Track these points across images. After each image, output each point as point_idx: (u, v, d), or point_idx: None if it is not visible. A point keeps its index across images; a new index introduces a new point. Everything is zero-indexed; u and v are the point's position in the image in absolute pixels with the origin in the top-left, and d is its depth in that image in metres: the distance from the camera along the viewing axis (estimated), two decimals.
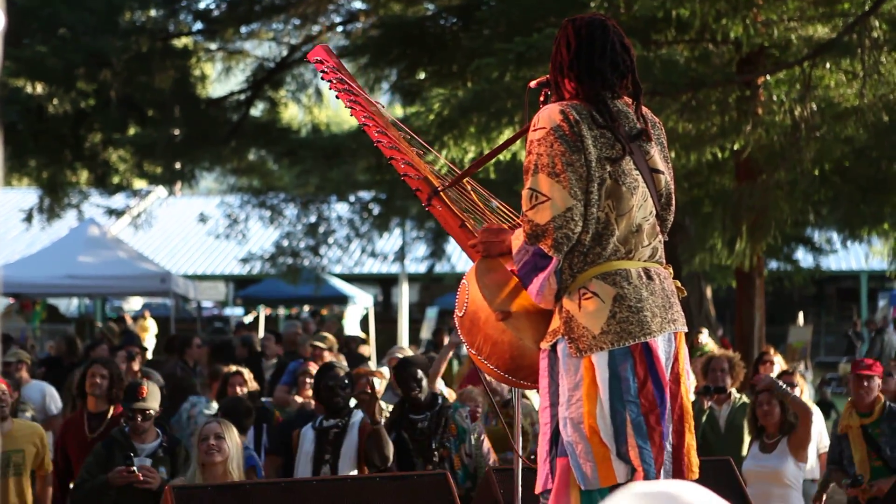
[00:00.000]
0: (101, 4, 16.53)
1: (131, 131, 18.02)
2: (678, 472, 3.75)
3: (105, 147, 17.97)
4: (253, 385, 8.04)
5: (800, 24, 10.70)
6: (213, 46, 18.96)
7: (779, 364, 9.14)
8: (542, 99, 3.98)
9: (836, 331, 29.20)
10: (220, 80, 19.40)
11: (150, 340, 20.32)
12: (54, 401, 9.23)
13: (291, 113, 21.42)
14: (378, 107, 4.57)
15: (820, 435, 7.82)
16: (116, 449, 6.34)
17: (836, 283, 32.20)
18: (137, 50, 16.34)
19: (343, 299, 25.06)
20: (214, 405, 8.19)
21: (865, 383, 7.01)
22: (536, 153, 3.70)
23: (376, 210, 20.54)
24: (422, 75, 13.89)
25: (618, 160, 3.72)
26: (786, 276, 19.19)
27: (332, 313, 24.35)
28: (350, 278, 27.90)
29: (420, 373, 6.62)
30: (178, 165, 18.91)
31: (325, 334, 11.39)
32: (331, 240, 20.88)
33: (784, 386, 7.11)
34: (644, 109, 3.92)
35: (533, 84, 4.03)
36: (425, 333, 24.16)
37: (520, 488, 4.50)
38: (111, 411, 7.13)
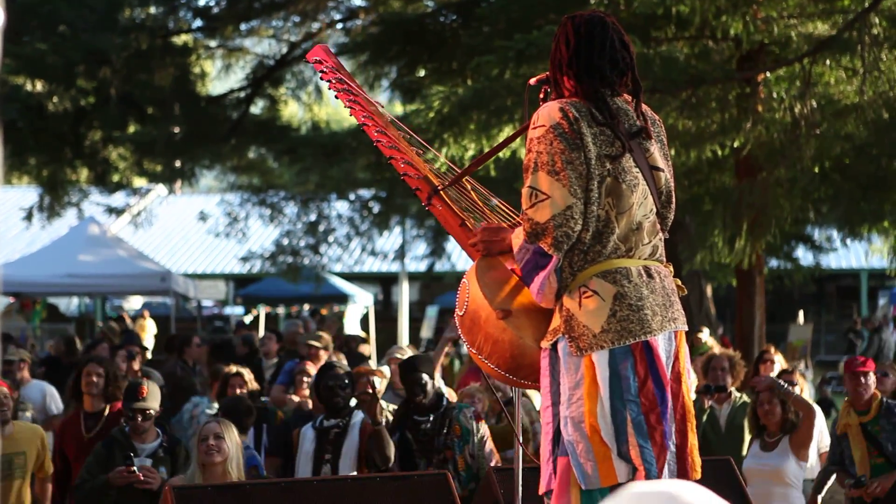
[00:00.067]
0: (101, 2, 16.52)
1: (131, 129, 18.02)
2: (682, 471, 3.74)
3: (105, 145, 17.96)
4: (253, 386, 8.02)
5: (800, 21, 10.69)
6: (212, 44, 18.95)
7: (779, 363, 9.13)
8: (541, 96, 3.97)
9: (837, 329, 29.20)
10: (220, 77, 19.38)
11: (148, 340, 20.31)
12: (55, 401, 9.22)
13: (291, 110, 21.41)
14: (377, 106, 4.56)
15: (821, 434, 7.80)
16: (117, 449, 6.33)
17: (836, 282, 32.20)
18: (137, 47, 16.33)
19: (343, 298, 25.06)
20: (216, 406, 8.18)
21: (862, 380, 7.00)
22: (536, 151, 3.69)
23: (376, 208, 20.54)
24: (422, 73, 13.89)
25: (618, 158, 3.71)
26: (786, 275, 19.17)
27: (333, 312, 24.35)
28: (350, 277, 27.90)
29: (425, 377, 6.59)
30: (178, 163, 18.91)
31: (321, 333, 11.39)
32: (331, 238, 20.88)
33: (785, 385, 7.10)
34: (644, 107, 3.91)
35: (533, 81, 4.02)
36: (426, 332, 24.16)
37: (520, 488, 4.49)
38: (107, 410, 7.12)
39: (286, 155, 18.43)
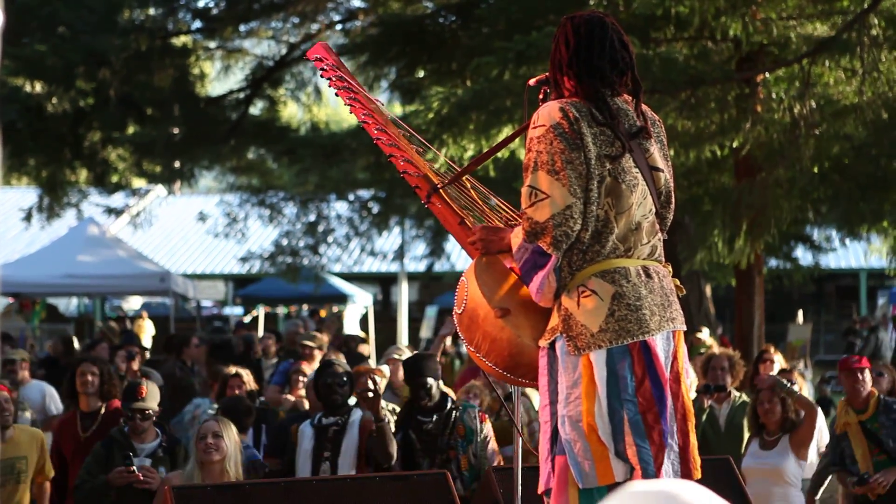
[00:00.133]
0: (101, 3, 16.52)
1: (130, 130, 18.01)
2: (686, 472, 3.74)
3: (104, 146, 17.95)
4: (252, 386, 8.02)
5: (799, 22, 10.70)
6: (212, 45, 18.95)
7: (779, 362, 9.13)
8: (541, 97, 3.97)
9: (836, 329, 29.19)
10: (220, 78, 19.39)
11: (146, 341, 20.30)
12: (54, 401, 9.22)
13: (290, 111, 21.41)
14: (377, 104, 4.57)
15: (820, 433, 7.81)
16: (116, 449, 6.33)
17: (835, 281, 32.20)
18: (136, 48, 16.32)
19: (342, 298, 25.05)
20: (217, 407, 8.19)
21: (858, 376, 7.01)
22: (536, 151, 3.70)
23: (376, 209, 20.54)
24: (421, 73, 13.89)
25: (617, 158, 3.72)
26: (785, 275, 19.18)
27: (332, 312, 24.35)
28: (349, 277, 27.90)
29: (430, 381, 6.59)
30: (177, 164, 18.91)
31: (315, 333, 11.42)
32: (330, 238, 20.88)
33: (788, 384, 7.10)
34: (644, 107, 3.91)
35: (532, 82, 4.03)
36: (425, 332, 24.16)
37: (520, 488, 4.50)
38: (104, 409, 7.13)
39: (285, 156, 18.43)
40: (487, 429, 6.62)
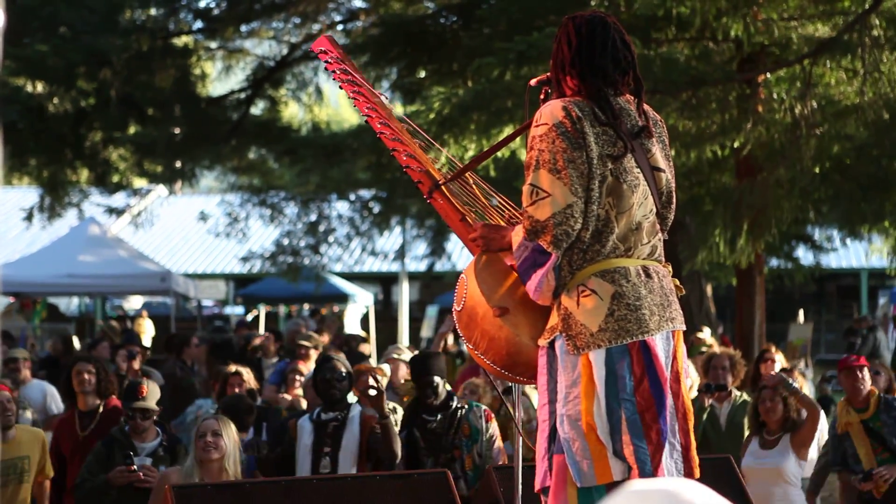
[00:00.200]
0: (102, 3, 16.53)
1: (131, 130, 18.03)
2: (688, 471, 3.75)
3: (105, 146, 17.96)
4: (252, 384, 8.02)
5: (800, 23, 10.71)
6: (213, 45, 18.96)
7: (780, 362, 9.13)
8: (542, 97, 3.98)
9: (837, 328, 29.18)
10: (221, 78, 19.40)
11: (146, 341, 20.31)
12: (55, 401, 9.23)
13: (292, 111, 21.42)
14: (381, 98, 4.56)
15: (821, 433, 7.81)
16: (116, 448, 6.34)
17: (836, 281, 32.19)
18: (138, 49, 16.34)
19: (343, 298, 25.06)
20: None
21: (858, 374, 7.01)
22: (538, 149, 3.70)
23: (376, 208, 20.55)
24: (422, 74, 13.89)
25: (619, 158, 3.72)
26: (786, 274, 19.17)
27: (333, 312, 24.36)
28: (350, 277, 27.90)
29: (436, 379, 6.60)
30: (178, 164, 18.92)
31: (312, 333, 11.46)
32: (331, 238, 20.88)
33: (794, 383, 7.10)
34: (646, 106, 3.91)
35: (533, 82, 4.03)
36: (426, 332, 24.16)
37: (520, 486, 4.50)
38: (102, 408, 7.14)
39: (286, 156, 18.45)
40: (493, 428, 6.62)
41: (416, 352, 11.06)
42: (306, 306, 26.38)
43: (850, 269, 29.23)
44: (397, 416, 7.16)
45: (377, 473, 5.88)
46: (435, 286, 30.30)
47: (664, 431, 3.66)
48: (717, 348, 9.82)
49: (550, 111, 3.73)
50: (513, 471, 4.56)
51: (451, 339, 12.23)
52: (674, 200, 3.94)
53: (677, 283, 3.91)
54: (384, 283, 33.42)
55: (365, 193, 20.81)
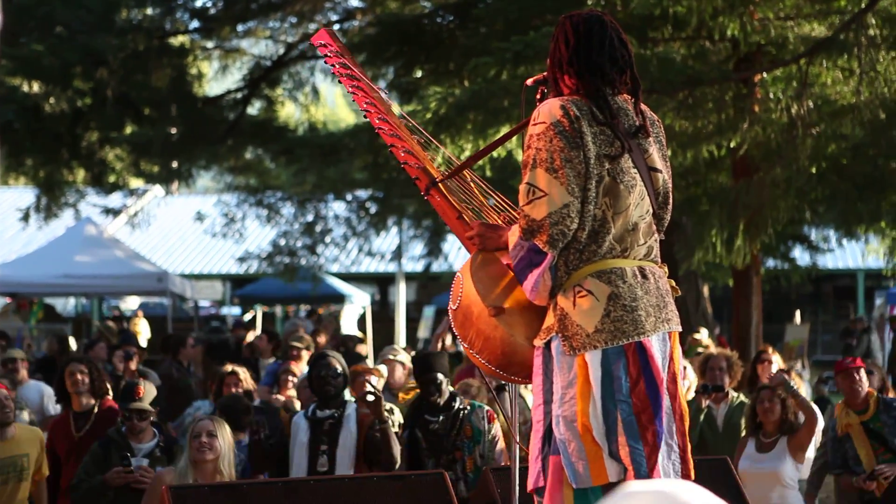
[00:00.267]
0: (98, 3, 16.52)
1: (128, 130, 18.02)
2: (686, 472, 3.74)
3: (102, 146, 17.96)
4: (248, 384, 8.01)
5: (796, 22, 10.71)
6: (209, 45, 18.95)
7: (776, 362, 9.14)
8: (538, 97, 3.97)
9: (833, 329, 29.21)
10: (217, 78, 19.39)
11: (142, 342, 20.30)
12: (52, 401, 9.21)
13: (288, 111, 21.41)
14: (380, 93, 4.55)
15: (816, 434, 7.81)
16: (113, 449, 6.34)
17: (832, 282, 32.23)
18: (134, 48, 16.33)
19: (340, 298, 25.06)
20: None
21: (855, 376, 7.00)
22: (535, 148, 3.69)
23: (373, 209, 20.54)
24: (419, 73, 13.88)
25: (616, 158, 3.71)
26: (783, 275, 19.18)
27: (329, 312, 24.34)
28: (347, 277, 27.90)
29: (440, 376, 6.59)
30: (174, 164, 18.91)
31: (304, 335, 11.48)
32: (328, 238, 20.88)
33: (795, 386, 7.09)
34: (643, 106, 3.90)
35: (530, 82, 4.02)
36: (422, 332, 24.17)
37: (517, 487, 4.49)
38: (97, 408, 7.13)
39: (283, 156, 18.44)
40: (496, 429, 6.60)
41: (413, 352, 11.06)
42: (303, 307, 26.37)
43: (846, 270, 29.26)
44: (395, 416, 7.15)
45: (375, 474, 5.87)
46: (432, 287, 30.31)
47: (660, 433, 3.65)
48: (713, 349, 9.81)
49: (548, 110, 3.72)
50: (510, 471, 4.56)
51: (448, 340, 12.22)
52: (670, 201, 3.94)
53: (673, 283, 3.90)
54: (381, 283, 33.42)
55: (361, 194, 20.81)
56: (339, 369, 6.59)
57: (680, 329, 3.85)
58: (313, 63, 18.60)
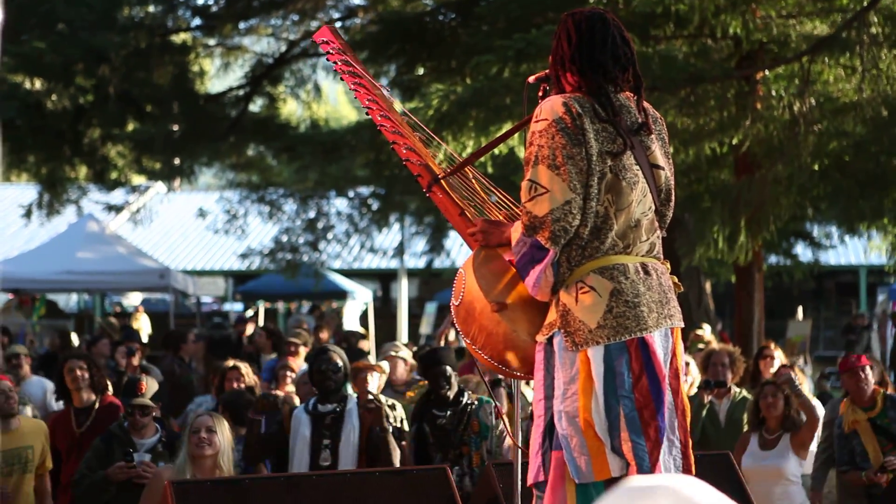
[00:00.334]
0: (100, 0, 16.52)
1: (130, 127, 18.02)
2: (687, 467, 3.75)
3: (104, 143, 17.96)
4: (250, 380, 8.02)
5: (798, 20, 10.71)
6: (211, 42, 18.95)
7: (779, 358, 9.14)
8: (540, 94, 3.98)
9: (836, 325, 29.20)
10: (219, 75, 19.41)
11: (143, 338, 20.29)
12: (55, 397, 9.23)
13: (290, 108, 21.41)
14: (382, 90, 4.56)
15: (819, 429, 7.81)
16: (116, 444, 6.35)
17: (835, 278, 32.21)
18: (136, 46, 16.33)
19: (342, 294, 25.05)
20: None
21: (861, 374, 7.00)
22: (538, 145, 3.70)
23: (375, 205, 20.54)
24: (421, 71, 13.89)
25: (619, 154, 3.72)
26: (785, 271, 19.19)
27: (332, 309, 24.35)
28: (349, 273, 27.89)
29: (448, 369, 6.60)
30: (176, 161, 18.91)
31: (299, 330, 11.51)
32: (330, 235, 20.88)
33: (799, 384, 7.09)
34: (645, 104, 3.91)
35: (532, 79, 4.03)
36: (425, 329, 24.16)
37: (519, 482, 4.51)
38: (98, 403, 7.15)
39: (285, 152, 18.44)
40: (503, 424, 6.61)
41: (415, 348, 11.07)
42: (305, 303, 26.37)
43: (848, 267, 29.25)
44: (396, 412, 7.16)
45: (376, 469, 5.88)
46: (434, 283, 30.30)
47: (662, 428, 3.66)
48: (715, 345, 9.82)
49: (550, 107, 3.72)
50: (512, 467, 4.57)
51: (452, 335, 12.24)
52: (672, 198, 3.95)
53: (676, 280, 3.91)
54: (383, 279, 33.42)
55: (364, 190, 20.81)
56: (340, 364, 6.58)
57: (682, 325, 3.86)
58: (315, 60, 18.60)
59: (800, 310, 24.73)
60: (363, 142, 15.02)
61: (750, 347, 11.91)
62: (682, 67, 10.46)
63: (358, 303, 25.68)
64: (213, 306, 31.97)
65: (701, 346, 11.12)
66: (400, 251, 24.23)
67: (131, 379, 6.77)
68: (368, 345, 15.48)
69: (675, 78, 10.28)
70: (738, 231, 11.59)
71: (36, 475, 6.78)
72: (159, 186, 26.59)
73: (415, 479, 5.28)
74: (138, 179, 20.71)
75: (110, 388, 7.50)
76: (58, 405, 9.19)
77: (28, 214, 18.78)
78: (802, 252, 20.05)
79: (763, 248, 13.27)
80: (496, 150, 10.04)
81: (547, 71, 3.95)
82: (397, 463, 6.31)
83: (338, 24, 18.18)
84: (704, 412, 7.64)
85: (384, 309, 30.01)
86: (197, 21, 18.27)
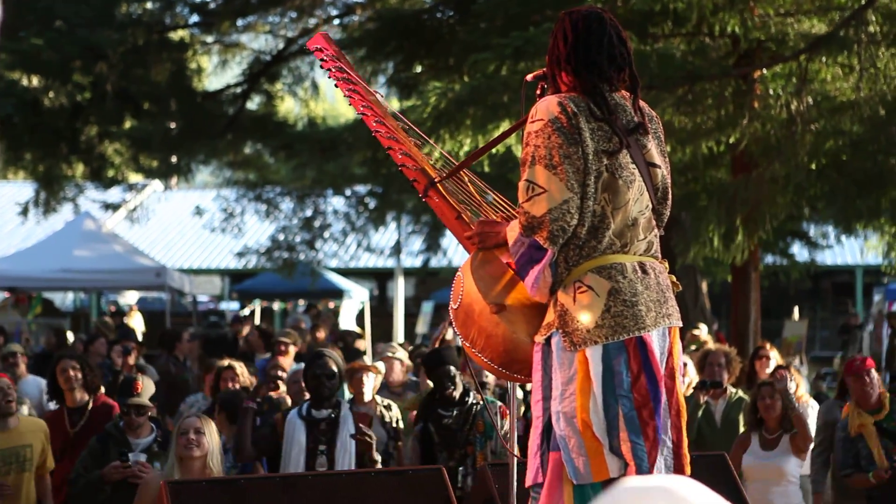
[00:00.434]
0: None
1: (127, 124, 18.00)
2: (679, 467, 3.74)
3: (101, 140, 17.94)
4: (245, 379, 7.98)
5: (796, 19, 10.70)
6: (209, 39, 18.94)
7: (775, 358, 9.14)
8: (538, 92, 3.97)
9: (832, 326, 29.24)
10: (217, 73, 19.39)
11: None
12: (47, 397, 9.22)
13: (288, 106, 21.40)
14: (376, 96, 4.56)
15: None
16: (111, 444, 6.34)
17: (831, 278, 32.24)
18: (133, 43, 16.32)
19: (339, 293, 25.05)
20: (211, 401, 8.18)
21: (866, 378, 6.98)
22: (534, 145, 3.69)
23: (372, 204, 20.55)
24: (418, 68, 13.88)
25: (615, 153, 3.72)
26: (781, 271, 19.19)
27: (328, 307, 24.34)
28: (346, 272, 27.88)
29: (453, 369, 6.59)
30: (173, 159, 18.89)
31: (289, 330, 11.51)
32: (327, 234, 20.88)
33: (793, 398, 7.07)
34: (641, 103, 3.91)
35: (529, 77, 4.03)
36: (421, 328, 24.18)
37: (515, 483, 4.50)
38: (91, 403, 7.14)
39: (282, 150, 18.44)
40: (508, 425, 6.60)
41: (411, 347, 11.05)
42: (302, 302, 26.36)
43: (845, 266, 29.27)
44: (393, 412, 7.16)
45: (373, 470, 5.87)
46: (431, 282, 30.31)
47: (660, 428, 3.66)
48: (712, 345, 9.82)
49: (546, 107, 3.72)
50: (507, 467, 4.56)
51: (449, 334, 12.22)
52: (669, 196, 3.94)
53: (674, 279, 3.91)
54: (380, 278, 33.42)
55: (360, 189, 20.81)
56: (335, 370, 6.50)
57: (680, 324, 3.85)
58: (313, 58, 18.55)
59: (796, 310, 24.74)
60: (360, 140, 15.01)
61: (746, 347, 11.90)
62: (679, 66, 10.46)
63: (354, 302, 25.68)
64: (209, 305, 31.96)
65: (693, 346, 11.10)
66: (397, 250, 24.23)
67: (127, 378, 6.76)
68: (365, 344, 15.47)
69: (673, 76, 10.28)
70: (734, 230, 11.59)
71: (37, 475, 6.76)
72: (156, 184, 26.56)
73: (411, 479, 5.27)
74: (135, 177, 20.70)
75: (102, 388, 7.49)
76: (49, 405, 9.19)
77: (25, 212, 18.77)
78: (799, 252, 20.05)
79: (760, 248, 13.26)
80: (493, 150, 10.03)
81: (545, 69, 3.94)
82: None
83: (336, 22, 18.18)
84: (700, 412, 7.64)
85: (381, 308, 30.00)
86: (195, 18, 18.27)
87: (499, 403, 6.75)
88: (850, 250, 28.08)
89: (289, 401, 7.57)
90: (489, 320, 3.79)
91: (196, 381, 11.14)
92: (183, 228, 31.65)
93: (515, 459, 4.48)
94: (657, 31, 10.87)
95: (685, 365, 7.99)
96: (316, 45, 4.67)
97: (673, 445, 3.74)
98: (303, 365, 7.86)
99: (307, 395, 6.75)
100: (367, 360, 10.19)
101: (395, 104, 16.53)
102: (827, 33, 10.18)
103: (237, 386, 7.79)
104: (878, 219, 13.74)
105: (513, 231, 3.78)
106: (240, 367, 7.99)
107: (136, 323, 21.17)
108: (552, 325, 3.70)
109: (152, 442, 6.42)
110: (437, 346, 8.35)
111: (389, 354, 8.52)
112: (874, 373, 7.04)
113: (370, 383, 7.30)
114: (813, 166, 11.38)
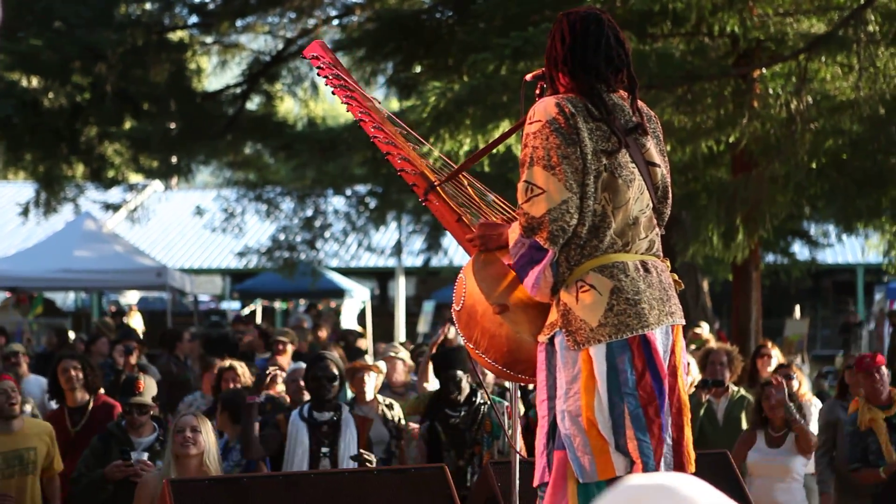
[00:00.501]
0: None
1: (127, 125, 17.99)
2: (679, 465, 3.75)
3: (101, 141, 17.93)
4: (246, 379, 7.99)
5: (795, 18, 10.71)
6: (208, 40, 18.93)
7: (776, 357, 9.15)
8: (537, 92, 3.98)
9: (833, 324, 29.24)
10: (216, 73, 19.38)
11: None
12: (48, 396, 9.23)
13: (287, 106, 21.40)
14: (374, 102, 4.57)
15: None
16: (113, 443, 6.35)
17: (832, 277, 32.24)
18: (133, 43, 16.31)
19: (340, 293, 25.05)
20: (210, 399, 8.18)
21: (876, 376, 6.98)
22: (532, 146, 3.70)
23: (373, 204, 20.55)
24: (418, 69, 13.88)
25: (614, 153, 3.73)
26: (782, 270, 19.20)
27: (329, 307, 24.34)
28: (347, 272, 27.88)
29: (460, 374, 6.59)
30: (173, 159, 18.89)
31: (287, 329, 11.53)
32: (327, 233, 20.88)
33: (793, 408, 7.07)
34: (640, 103, 3.92)
35: (529, 77, 4.04)
36: (422, 327, 24.18)
37: (517, 481, 4.51)
38: (92, 403, 7.15)
39: (282, 151, 18.43)
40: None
41: (413, 346, 11.06)
42: (303, 301, 26.37)
43: (846, 265, 29.27)
44: (394, 411, 7.16)
45: (375, 468, 5.88)
46: (431, 281, 30.30)
47: (665, 426, 3.67)
48: (713, 344, 9.83)
49: (543, 108, 3.73)
50: (510, 466, 4.57)
51: (451, 333, 12.23)
52: (670, 195, 3.95)
53: (676, 277, 3.92)
54: (381, 278, 33.42)
55: (361, 188, 20.81)
56: (336, 373, 6.50)
57: (683, 322, 3.86)
58: None
59: (797, 308, 24.75)
60: (360, 140, 15.00)
61: (747, 346, 11.91)
62: (678, 65, 10.46)
63: (355, 301, 25.68)
64: (210, 305, 31.95)
65: (694, 345, 11.11)
66: (397, 249, 24.23)
67: (129, 378, 6.77)
68: (366, 343, 15.48)
69: (672, 76, 10.29)
70: (734, 229, 11.60)
71: (45, 476, 6.75)
72: (156, 185, 26.57)
73: (413, 478, 5.28)
74: (135, 178, 20.69)
75: (102, 388, 7.50)
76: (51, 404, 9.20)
77: (25, 212, 18.77)
78: (800, 251, 20.05)
79: (760, 247, 13.26)
80: (493, 150, 10.04)
81: (544, 69, 3.95)
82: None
83: (335, 22, 18.18)
84: (702, 411, 7.65)
85: (382, 307, 30.00)
86: (194, 18, 18.26)
87: (506, 403, 6.75)
88: (851, 249, 28.09)
89: (287, 399, 7.58)
90: (492, 321, 3.80)
91: (197, 381, 11.15)
92: (183, 228, 31.65)
93: (518, 457, 4.49)
94: (656, 31, 10.88)
95: (688, 364, 8.00)
96: (312, 53, 4.69)
97: (673, 443, 3.76)
98: (301, 364, 7.88)
99: (306, 395, 6.76)
100: (369, 359, 10.20)
101: (394, 104, 16.54)
102: (826, 33, 10.18)
103: (238, 386, 7.79)
104: (879, 217, 13.76)
105: (513, 232, 3.79)
106: (241, 367, 7.99)
107: (136, 323, 21.17)
108: (555, 324, 3.71)
109: (154, 441, 6.44)
110: (434, 350, 8.33)
111: (392, 354, 8.53)
112: (884, 369, 7.05)
113: (371, 382, 7.30)
114: (813, 165, 11.39)
